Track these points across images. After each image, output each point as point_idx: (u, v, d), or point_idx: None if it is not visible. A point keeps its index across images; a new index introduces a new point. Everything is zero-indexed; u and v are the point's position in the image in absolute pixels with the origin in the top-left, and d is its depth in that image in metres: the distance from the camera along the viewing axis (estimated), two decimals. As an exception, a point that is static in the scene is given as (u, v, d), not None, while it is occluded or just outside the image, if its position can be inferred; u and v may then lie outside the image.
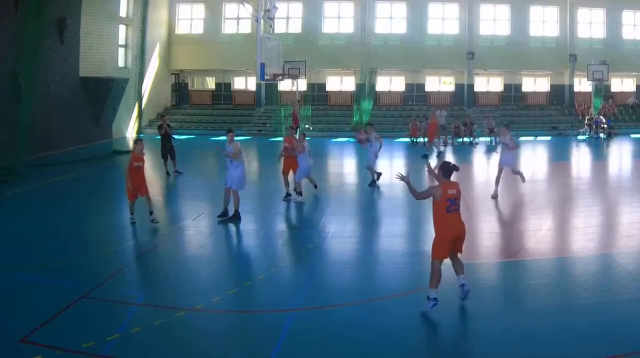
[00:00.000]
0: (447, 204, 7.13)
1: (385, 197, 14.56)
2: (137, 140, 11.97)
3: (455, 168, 7.48)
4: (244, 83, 33.85)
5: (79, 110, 23.59)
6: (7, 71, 18.61)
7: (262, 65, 19.33)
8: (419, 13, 31.59)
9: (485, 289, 8.22)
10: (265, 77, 20.07)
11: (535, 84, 33.48)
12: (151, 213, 11.42)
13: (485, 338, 6.62)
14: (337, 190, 15.87)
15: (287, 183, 14.03)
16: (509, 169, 14.34)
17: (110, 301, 7.65)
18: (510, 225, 11.81)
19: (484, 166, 21.51)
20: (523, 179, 14.70)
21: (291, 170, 13.92)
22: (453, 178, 7.48)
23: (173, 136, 17.67)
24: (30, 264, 9.00)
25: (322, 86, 33.15)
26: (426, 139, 26.05)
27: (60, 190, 15.75)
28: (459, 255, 7.45)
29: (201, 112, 32.61)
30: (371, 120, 26.20)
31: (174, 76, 33.66)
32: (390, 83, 33.48)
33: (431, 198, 7.27)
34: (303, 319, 7.27)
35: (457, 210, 7.26)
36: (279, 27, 28.50)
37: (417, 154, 23.12)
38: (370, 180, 15.66)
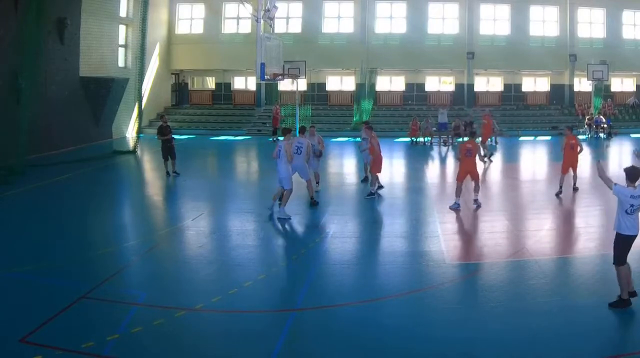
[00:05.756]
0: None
1: (386, 198, 14.55)
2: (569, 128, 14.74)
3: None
4: (244, 83, 33.85)
5: (79, 110, 23.56)
6: (7, 71, 18.58)
7: (262, 65, 19.29)
8: (419, 13, 31.58)
9: (486, 289, 8.24)
10: (265, 77, 20.02)
11: (535, 84, 33.47)
12: None
13: (486, 339, 6.62)
14: (337, 190, 15.86)
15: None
16: None
17: (110, 301, 7.65)
18: (511, 225, 11.80)
19: (483, 166, 21.43)
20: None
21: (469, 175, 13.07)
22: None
23: (174, 136, 17.66)
24: (30, 264, 8.99)
25: (322, 86, 33.14)
26: (427, 139, 26.13)
27: (60, 190, 15.74)
28: None
29: (201, 112, 32.62)
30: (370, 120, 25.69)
31: (174, 76, 33.65)
32: (390, 83, 33.48)
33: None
34: (303, 319, 7.27)
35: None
36: (279, 27, 28.50)
37: (417, 154, 23.14)
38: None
